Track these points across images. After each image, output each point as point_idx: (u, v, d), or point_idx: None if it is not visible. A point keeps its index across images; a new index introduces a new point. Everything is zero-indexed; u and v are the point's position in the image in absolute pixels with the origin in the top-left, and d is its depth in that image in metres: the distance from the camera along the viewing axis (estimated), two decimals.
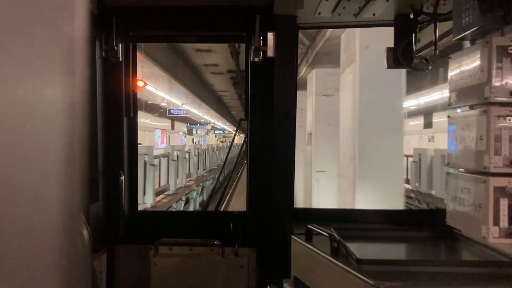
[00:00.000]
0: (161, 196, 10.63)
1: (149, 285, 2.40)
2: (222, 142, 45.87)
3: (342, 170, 6.34)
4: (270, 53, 2.23)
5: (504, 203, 1.33)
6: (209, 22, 2.43)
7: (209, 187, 16.84)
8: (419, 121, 27.56)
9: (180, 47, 14.10)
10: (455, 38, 1.54)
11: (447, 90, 1.63)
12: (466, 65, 1.48)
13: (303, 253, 1.78)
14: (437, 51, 1.92)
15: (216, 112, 33.09)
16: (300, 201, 9.84)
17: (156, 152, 11.45)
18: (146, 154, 9.03)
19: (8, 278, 0.37)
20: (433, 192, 10.06)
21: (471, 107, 1.46)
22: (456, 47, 1.61)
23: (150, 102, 25.85)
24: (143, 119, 27.53)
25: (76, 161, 0.42)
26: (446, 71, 1.63)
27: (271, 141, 2.31)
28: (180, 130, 41.58)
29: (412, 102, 20.34)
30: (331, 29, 7.26)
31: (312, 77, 9.53)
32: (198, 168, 16.14)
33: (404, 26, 2.02)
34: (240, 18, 2.36)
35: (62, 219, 0.41)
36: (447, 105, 1.61)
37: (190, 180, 14.11)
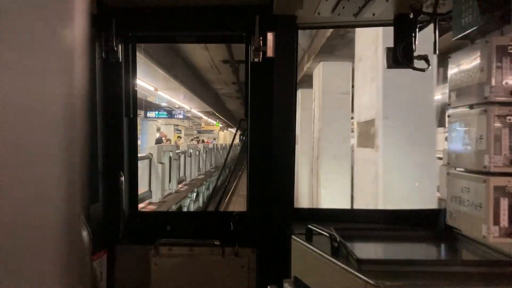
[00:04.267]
0: None
1: (149, 286, 2.40)
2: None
3: None
4: (270, 53, 2.23)
5: (504, 203, 1.33)
6: (208, 22, 2.43)
7: None
8: None
9: None
10: (454, 38, 1.54)
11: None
12: (466, 64, 1.48)
13: (303, 253, 1.78)
14: (437, 51, 1.92)
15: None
16: None
17: None
18: None
19: (9, 278, 0.37)
20: None
21: (471, 107, 1.46)
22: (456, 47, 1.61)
23: None
24: None
25: (76, 161, 0.42)
26: (445, 70, 1.63)
27: (271, 141, 2.31)
28: None
29: None
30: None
31: None
32: None
33: (404, 26, 2.02)
34: (240, 18, 2.36)
35: (62, 220, 0.41)
36: (447, 105, 1.61)
37: None
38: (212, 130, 39.73)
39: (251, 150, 2.44)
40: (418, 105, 4.54)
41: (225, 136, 48.78)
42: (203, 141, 28.23)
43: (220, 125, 38.18)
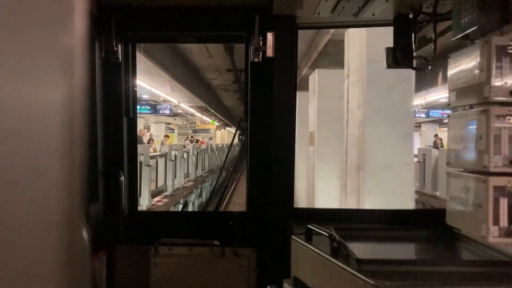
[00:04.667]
0: None
1: (149, 286, 2.40)
2: None
3: None
4: (269, 53, 2.23)
5: (503, 203, 1.33)
6: (208, 22, 2.43)
7: None
8: None
9: None
10: (454, 38, 1.54)
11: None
12: (465, 64, 1.48)
13: (303, 253, 1.78)
14: (436, 51, 1.92)
15: None
16: None
17: None
18: None
19: (8, 278, 0.37)
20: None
21: (471, 107, 1.46)
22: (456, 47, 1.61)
23: None
24: None
25: (76, 161, 0.42)
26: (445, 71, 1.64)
27: (271, 141, 2.32)
28: None
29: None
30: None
31: None
32: None
33: (404, 26, 2.02)
34: (240, 18, 2.36)
35: (62, 220, 0.41)
36: (447, 105, 1.61)
37: None
38: (209, 129, 35.68)
39: (251, 150, 2.44)
40: None
41: (223, 135, 46.86)
42: (197, 141, 25.45)
43: (217, 124, 34.90)
